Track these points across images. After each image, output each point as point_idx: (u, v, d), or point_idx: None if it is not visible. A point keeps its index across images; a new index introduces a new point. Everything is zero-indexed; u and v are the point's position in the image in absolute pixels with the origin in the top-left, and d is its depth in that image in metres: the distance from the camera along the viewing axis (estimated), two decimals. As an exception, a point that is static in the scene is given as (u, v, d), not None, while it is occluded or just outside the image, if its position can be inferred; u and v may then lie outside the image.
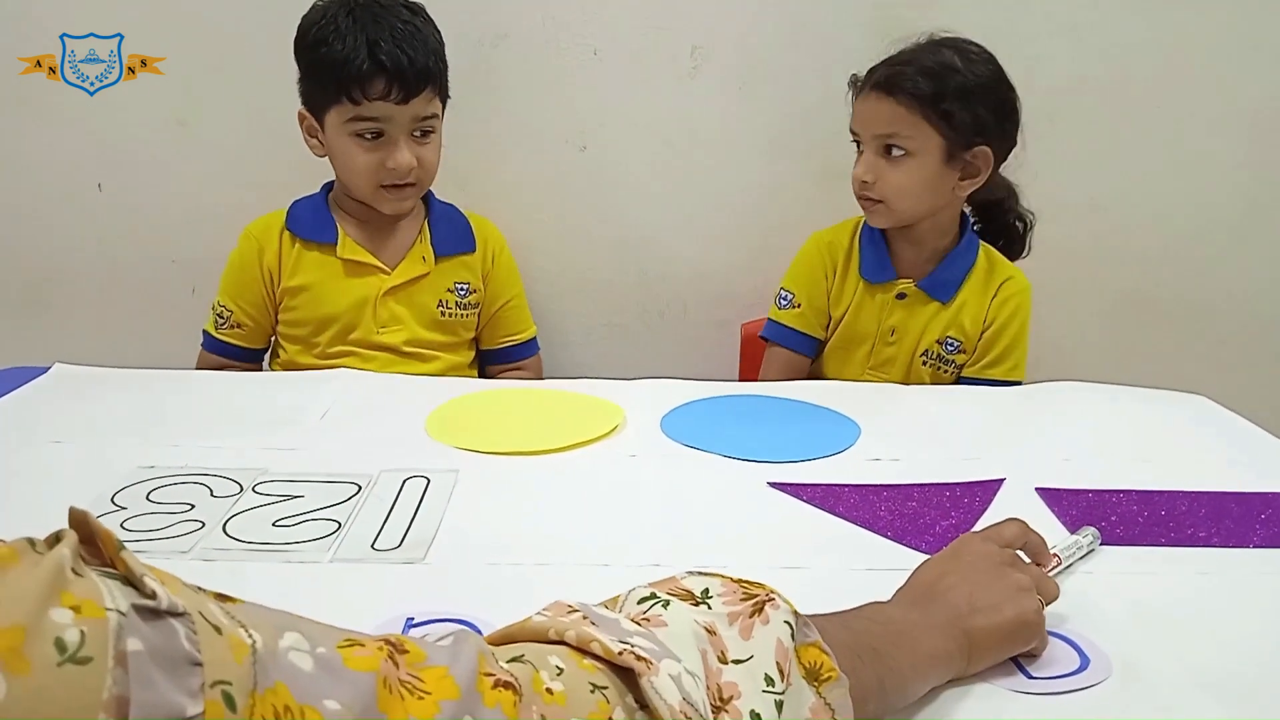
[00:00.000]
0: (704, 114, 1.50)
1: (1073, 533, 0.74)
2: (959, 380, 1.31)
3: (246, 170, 1.49)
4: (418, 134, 1.24)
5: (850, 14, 1.42)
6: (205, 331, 1.34)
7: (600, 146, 1.51)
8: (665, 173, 1.53)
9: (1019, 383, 1.29)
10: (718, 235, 1.55)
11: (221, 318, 1.33)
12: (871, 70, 1.24)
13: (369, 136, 1.22)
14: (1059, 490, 0.83)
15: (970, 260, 1.29)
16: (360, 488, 0.81)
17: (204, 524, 0.74)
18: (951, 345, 1.29)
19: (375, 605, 0.64)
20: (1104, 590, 0.69)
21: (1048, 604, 0.61)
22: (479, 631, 0.61)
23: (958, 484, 0.84)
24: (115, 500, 0.78)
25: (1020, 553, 0.66)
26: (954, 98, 1.18)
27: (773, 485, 0.84)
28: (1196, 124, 1.48)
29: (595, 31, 1.46)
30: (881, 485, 0.84)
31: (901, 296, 1.29)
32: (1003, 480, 0.85)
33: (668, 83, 1.48)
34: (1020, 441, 0.95)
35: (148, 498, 0.79)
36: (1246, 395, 1.38)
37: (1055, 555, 0.69)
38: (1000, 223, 1.34)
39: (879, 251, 1.31)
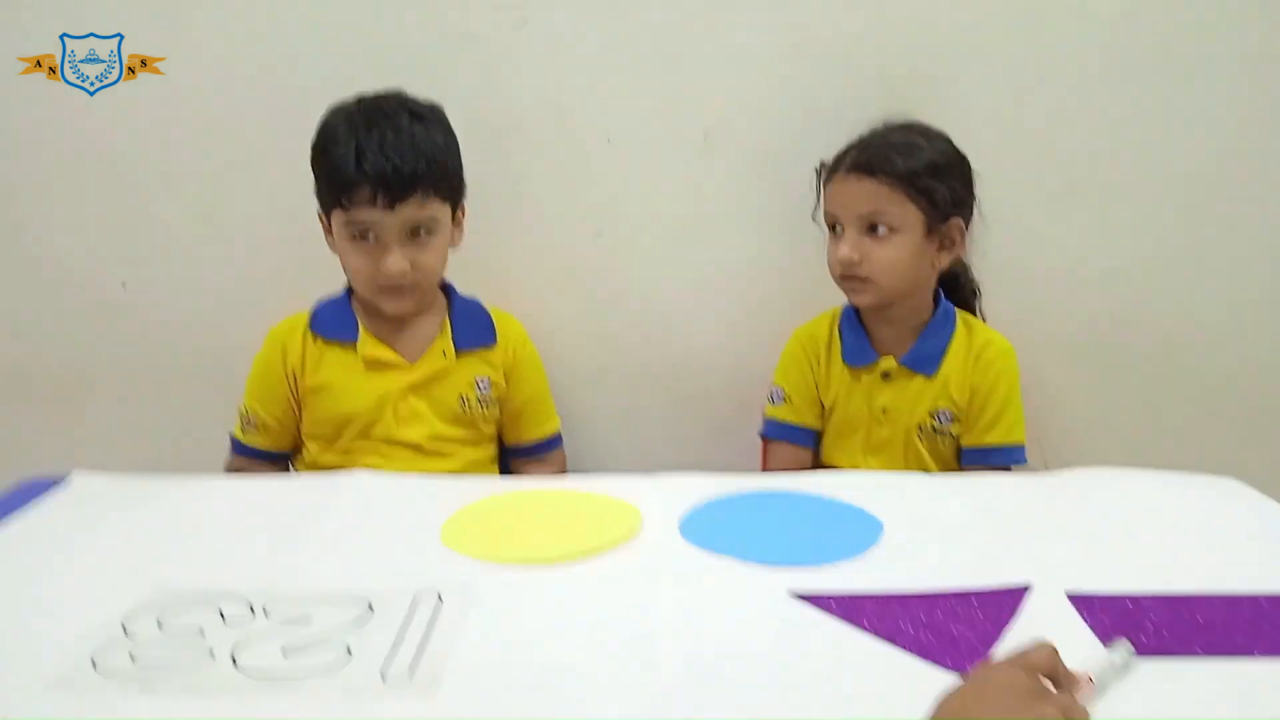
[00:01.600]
0: (719, 196, 1.50)
1: (1105, 645, 0.72)
2: (959, 452, 1.33)
3: (272, 264, 1.50)
4: (412, 237, 1.24)
5: (860, 93, 1.42)
6: (232, 436, 1.35)
7: (616, 231, 1.51)
8: (683, 256, 1.52)
9: (1022, 445, 1.32)
10: (737, 317, 1.54)
11: (248, 422, 1.33)
12: (840, 156, 1.30)
13: (362, 239, 1.23)
14: (1090, 597, 0.81)
15: (949, 331, 1.33)
16: (372, 606, 0.80)
17: (213, 653, 0.73)
18: (944, 417, 1.30)
19: (383, 744, 0.63)
20: (1142, 710, 0.66)
21: None
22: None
23: (984, 592, 0.82)
24: (126, 627, 0.77)
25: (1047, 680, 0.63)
26: (930, 174, 1.25)
27: (795, 595, 0.82)
28: (1222, 193, 1.46)
29: (608, 118, 1.46)
30: (905, 595, 0.82)
31: (887, 376, 1.32)
32: (1029, 587, 0.82)
33: (682, 166, 1.48)
34: (1048, 538, 0.93)
35: (158, 623, 0.78)
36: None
37: (1089, 677, 0.66)
38: (958, 295, 1.38)
39: (858, 335, 1.34)
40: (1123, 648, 0.71)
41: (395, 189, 1.20)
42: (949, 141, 1.30)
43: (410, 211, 1.22)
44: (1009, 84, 1.43)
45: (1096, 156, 1.45)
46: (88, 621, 0.78)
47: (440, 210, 1.26)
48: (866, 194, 1.26)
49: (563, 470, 1.45)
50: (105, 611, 0.79)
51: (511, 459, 1.42)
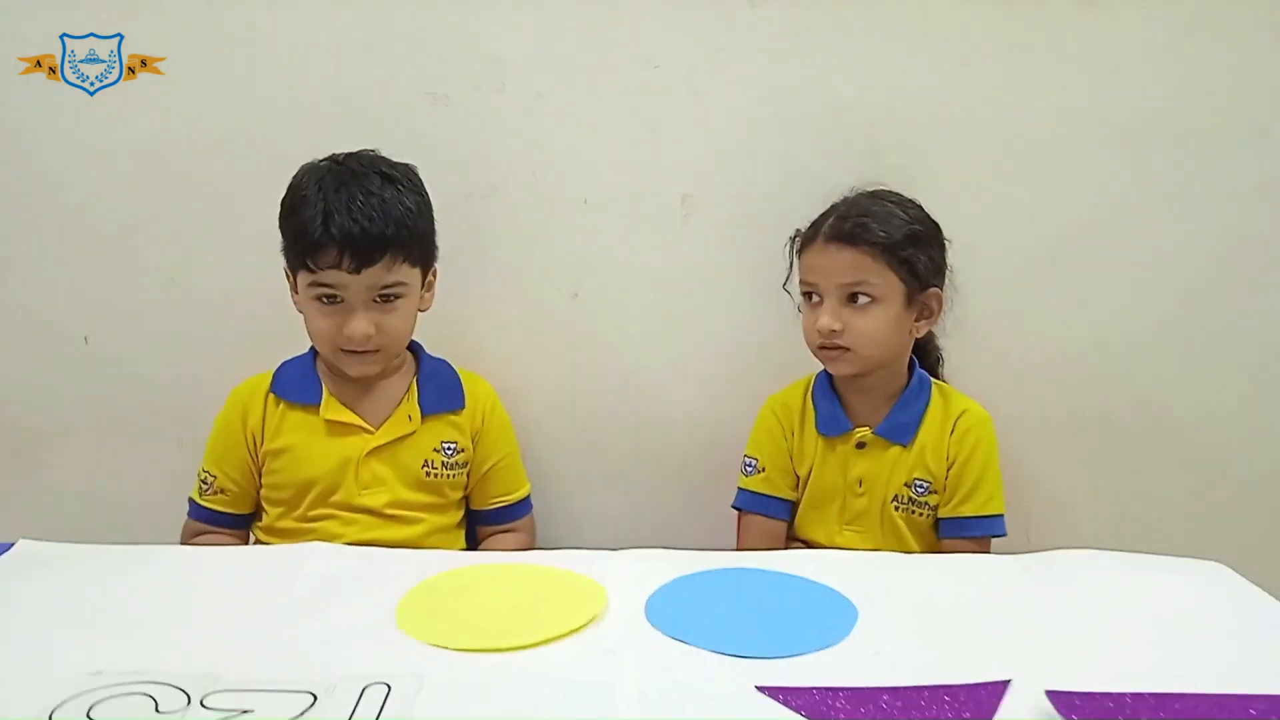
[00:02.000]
0: (697, 261, 1.48)
1: None
2: (936, 524, 1.31)
3: (235, 322, 1.47)
4: (378, 301, 1.21)
5: (841, 160, 1.41)
6: (190, 499, 1.31)
7: (592, 294, 1.49)
8: (659, 319, 1.50)
9: (1000, 516, 1.30)
10: (714, 382, 1.51)
11: (206, 484, 1.30)
12: (816, 225, 1.29)
13: (326, 301, 1.21)
14: (1070, 694, 0.77)
15: (925, 400, 1.31)
16: (316, 698, 0.75)
17: (142, 752, 0.69)
18: (921, 487, 1.29)
19: None
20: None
21: None
22: None
23: (960, 686, 0.78)
24: (54, 718, 0.73)
25: None
26: (910, 243, 1.25)
27: (761, 690, 0.78)
28: (1208, 266, 1.45)
29: (585, 181, 1.45)
30: (879, 689, 0.78)
31: (861, 445, 1.30)
32: (1009, 682, 0.79)
33: (659, 230, 1.47)
34: (1029, 627, 0.89)
35: (88, 715, 0.73)
36: (1270, 549, 1.33)
37: None
38: (924, 363, 1.37)
39: (831, 405, 1.32)
40: None
41: (362, 252, 1.17)
42: (922, 209, 1.29)
43: (376, 275, 1.19)
44: (990, 154, 1.42)
45: (1079, 228, 1.44)
46: (15, 711, 0.73)
47: (408, 274, 1.23)
48: (847, 264, 1.24)
49: (532, 536, 1.41)
50: (34, 700, 0.75)
51: (479, 525, 1.38)
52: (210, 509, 1.30)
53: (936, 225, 1.29)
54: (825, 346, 1.27)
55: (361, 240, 1.17)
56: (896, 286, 1.25)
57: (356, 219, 1.17)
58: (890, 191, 1.30)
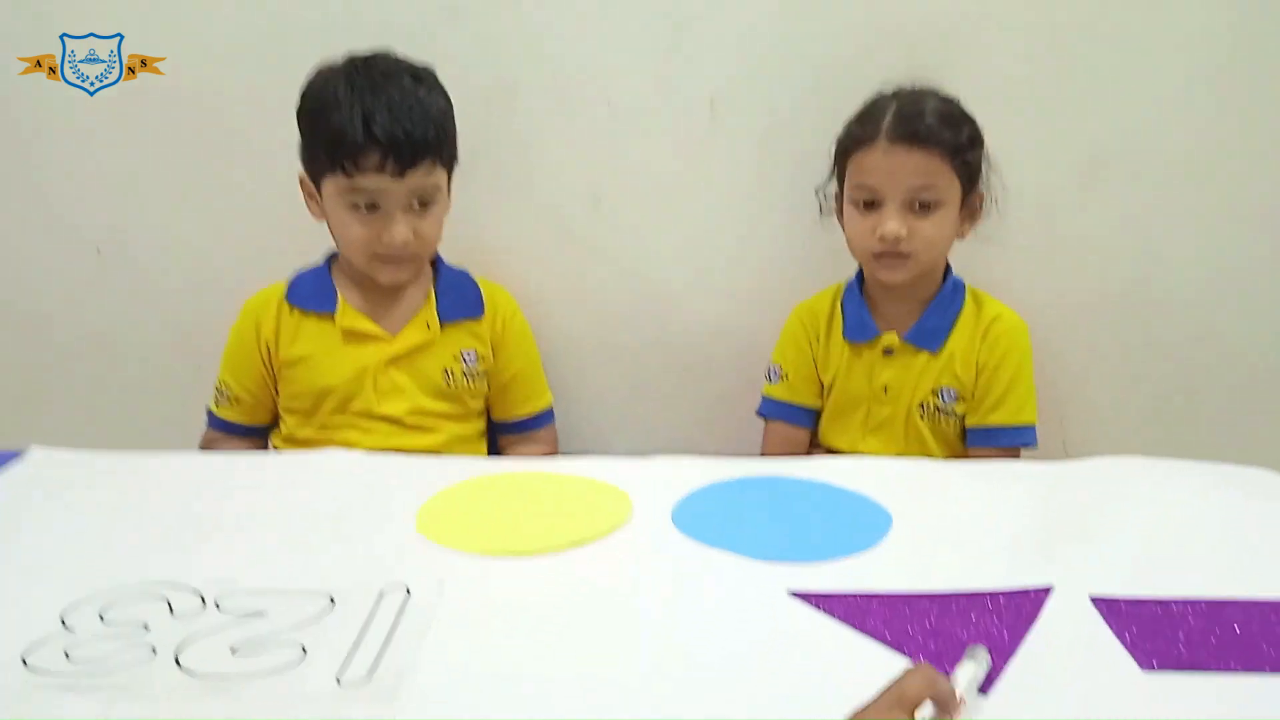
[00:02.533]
0: (724, 166, 1.42)
1: (966, 656, 0.65)
2: (964, 433, 1.27)
3: (252, 238, 1.44)
4: (416, 206, 1.18)
5: (873, 62, 1.33)
6: (208, 409, 1.30)
7: (616, 202, 1.43)
8: (684, 227, 1.45)
9: (1030, 426, 1.26)
10: (740, 290, 1.47)
11: (221, 394, 1.28)
12: (872, 123, 1.20)
13: (364, 208, 1.16)
14: (1116, 600, 0.74)
15: (957, 306, 1.26)
16: (333, 601, 0.73)
17: (155, 651, 0.67)
18: (948, 395, 1.25)
19: (331, 760, 0.57)
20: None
21: None
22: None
23: (1000, 593, 0.75)
24: (65, 620, 0.71)
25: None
26: (970, 145, 1.19)
27: (794, 595, 0.75)
28: (1257, 163, 1.37)
29: (608, 85, 1.39)
30: (914, 595, 0.75)
31: (889, 352, 1.26)
32: (1050, 589, 0.76)
33: (685, 136, 1.40)
34: (1069, 533, 0.85)
35: (100, 617, 0.72)
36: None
37: (960, 698, 0.61)
38: None
39: (860, 310, 1.28)
40: (979, 654, 0.65)
41: (406, 156, 1.13)
42: (962, 107, 1.23)
43: (418, 179, 1.16)
44: (1028, 45, 1.34)
45: (1122, 132, 1.37)
46: (24, 614, 0.72)
47: (442, 178, 1.21)
48: (916, 167, 1.17)
49: (554, 448, 1.38)
50: (45, 603, 0.73)
51: (500, 436, 1.36)
52: (226, 419, 1.28)
53: (978, 126, 1.23)
54: (884, 254, 1.20)
55: (406, 143, 1.13)
56: (956, 189, 1.19)
57: (399, 121, 1.13)
58: (934, 88, 1.23)
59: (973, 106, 1.24)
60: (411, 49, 1.26)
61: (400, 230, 1.16)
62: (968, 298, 1.27)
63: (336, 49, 1.25)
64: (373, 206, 1.16)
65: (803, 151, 1.36)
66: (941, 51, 1.34)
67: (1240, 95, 1.35)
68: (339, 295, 1.25)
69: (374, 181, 1.14)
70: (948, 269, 1.29)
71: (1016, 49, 1.35)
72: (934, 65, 1.30)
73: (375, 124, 1.12)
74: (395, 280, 1.23)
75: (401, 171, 1.14)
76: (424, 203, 1.19)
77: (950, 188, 1.19)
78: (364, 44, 1.26)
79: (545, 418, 1.36)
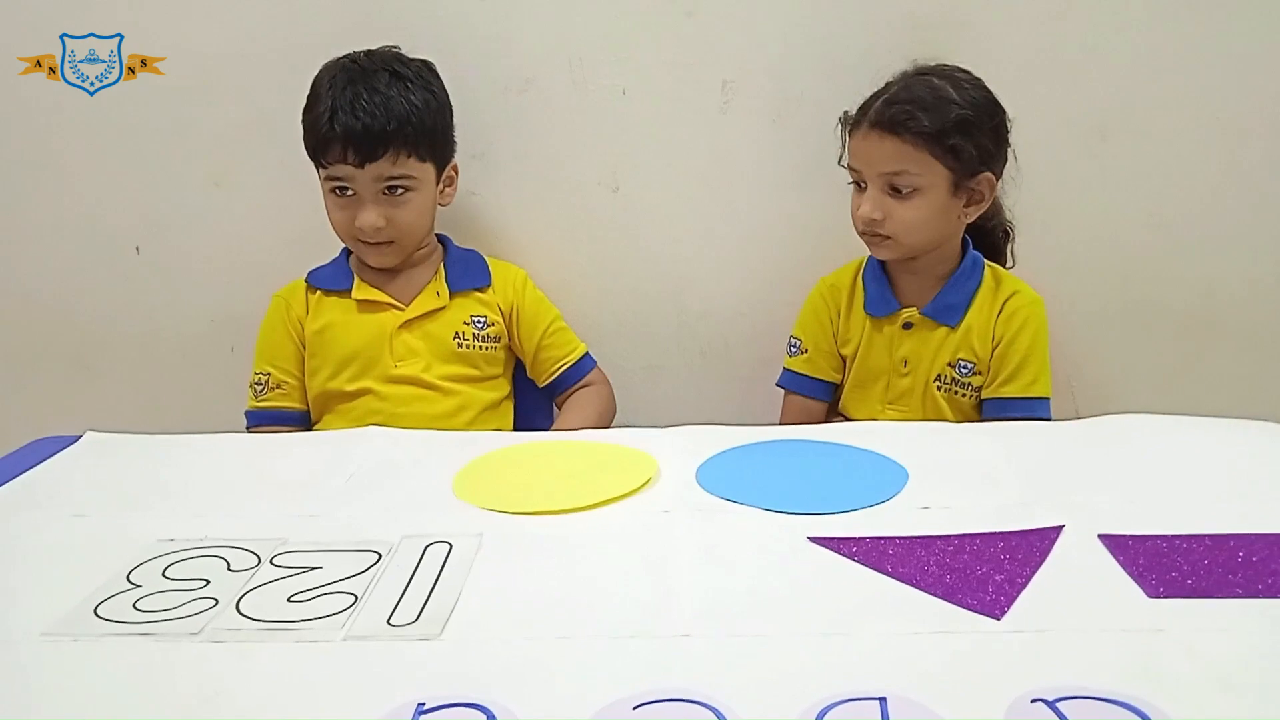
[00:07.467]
0: (738, 149, 1.46)
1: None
2: (980, 405, 1.30)
3: (281, 227, 1.49)
4: (387, 192, 1.27)
5: (884, 41, 1.37)
6: (246, 411, 1.36)
7: (633, 186, 1.48)
8: (701, 210, 1.49)
9: (1044, 399, 1.29)
10: (757, 271, 1.51)
11: (260, 384, 1.34)
12: (865, 107, 1.25)
13: (339, 193, 1.28)
14: (1124, 536, 0.77)
15: (975, 282, 1.30)
16: (381, 556, 0.78)
17: (217, 601, 0.71)
18: (965, 368, 1.28)
19: (387, 688, 0.61)
20: (1177, 652, 0.63)
21: None
22: (493, 717, 0.57)
23: (1013, 533, 0.79)
24: (130, 578, 0.76)
25: None
26: (957, 131, 1.20)
27: (813, 540, 0.79)
28: (1268, 131, 1.40)
29: (623, 71, 1.43)
30: (930, 537, 0.79)
31: (908, 326, 1.30)
32: (1061, 527, 0.79)
33: (700, 119, 1.44)
34: (1079, 483, 0.89)
35: (163, 574, 0.76)
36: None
37: None
38: (987, 240, 1.34)
39: (881, 285, 1.31)
40: None
41: (364, 147, 1.24)
42: (982, 88, 1.24)
43: (381, 168, 1.25)
44: (1042, 20, 1.37)
45: (1131, 101, 1.40)
46: (92, 572, 0.76)
47: (417, 169, 1.28)
48: (889, 153, 1.21)
49: (608, 385, 1.45)
50: (110, 564, 0.78)
51: (555, 396, 1.44)
52: (266, 409, 1.34)
53: (995, 106, 1.24)
54: (867, 233, 1.26)
55: (363, 135, 1.23)
56: (941, 174, 1.21)
57: (359, 115, 1.23)
58: (950, 69, 1.25)
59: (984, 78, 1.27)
60: (426, 41, 1.32)
61: (369, 216, 1.26)
62: (986, 274, 1.30)
63: (346, 45, 1.31)
64: (347, 192, 1.27)
65: (817, 131, 1.40)
66: (949, 28, 1.37)
67: (1257, 56, 1.37)
68: (354, 276, 1.34)
69: (342, 170, 1.26)
70: (965, 245, 1.31)
71: (1026, 27, 1.37)
72: (942, 42, 1.34)
73: (337, 119, 1.23)
74: (381, 263, 1.32)
75: (361, 162, 1.24)
76: (394, 189, 1.27)
77: (930, 173, 1.21)
78: (377, 39, 1.32)
79: (587, 362, 1.44)
